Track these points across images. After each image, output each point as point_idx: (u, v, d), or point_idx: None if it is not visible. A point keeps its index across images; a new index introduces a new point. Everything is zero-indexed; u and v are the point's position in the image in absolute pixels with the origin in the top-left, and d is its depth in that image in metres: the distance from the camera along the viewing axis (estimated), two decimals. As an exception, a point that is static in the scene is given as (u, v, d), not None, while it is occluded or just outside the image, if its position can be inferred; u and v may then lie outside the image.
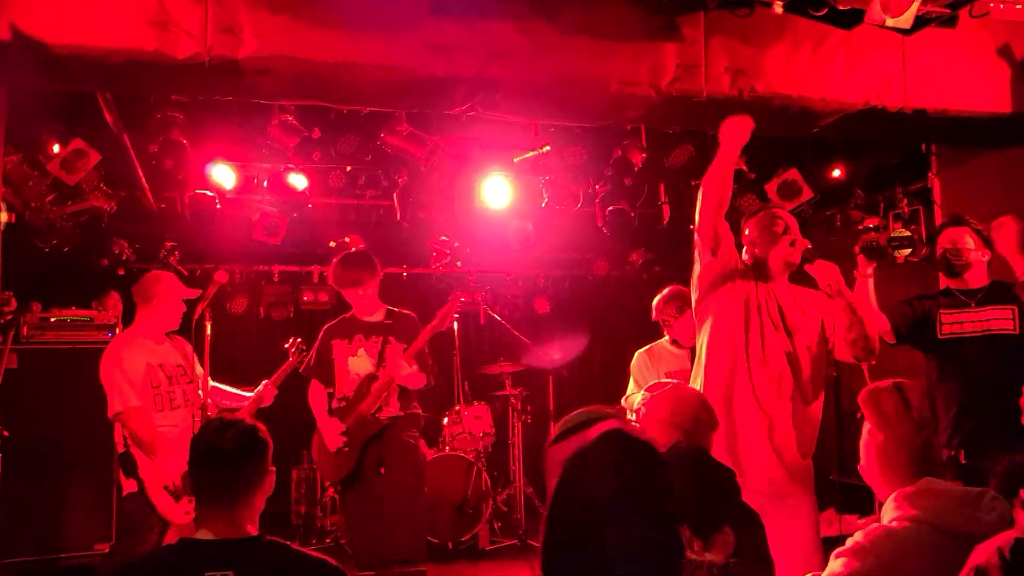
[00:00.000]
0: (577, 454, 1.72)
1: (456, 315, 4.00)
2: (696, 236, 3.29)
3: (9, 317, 3.84)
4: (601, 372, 8.85)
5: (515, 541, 6.21)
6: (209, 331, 4.03)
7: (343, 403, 4.38)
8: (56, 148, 4.86)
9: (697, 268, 3.32)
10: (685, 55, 3.68)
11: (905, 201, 5.41)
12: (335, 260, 4.58)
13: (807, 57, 3.81)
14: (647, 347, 4.72)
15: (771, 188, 5.96)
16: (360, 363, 4.42)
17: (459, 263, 8.00)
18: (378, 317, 4.58)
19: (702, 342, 3.31)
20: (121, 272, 6.97)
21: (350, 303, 4.58)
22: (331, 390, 4.49)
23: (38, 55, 3.14)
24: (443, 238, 7.64)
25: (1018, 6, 3.61)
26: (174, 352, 4.07)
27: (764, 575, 2.10)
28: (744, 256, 3.36)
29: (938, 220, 4.64)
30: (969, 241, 3.68)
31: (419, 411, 4.61)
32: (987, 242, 3.70)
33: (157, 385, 3.89)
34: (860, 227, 2.82)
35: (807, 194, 5.83)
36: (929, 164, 5.01)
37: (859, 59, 3.86)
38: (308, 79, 3.47)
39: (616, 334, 8.96)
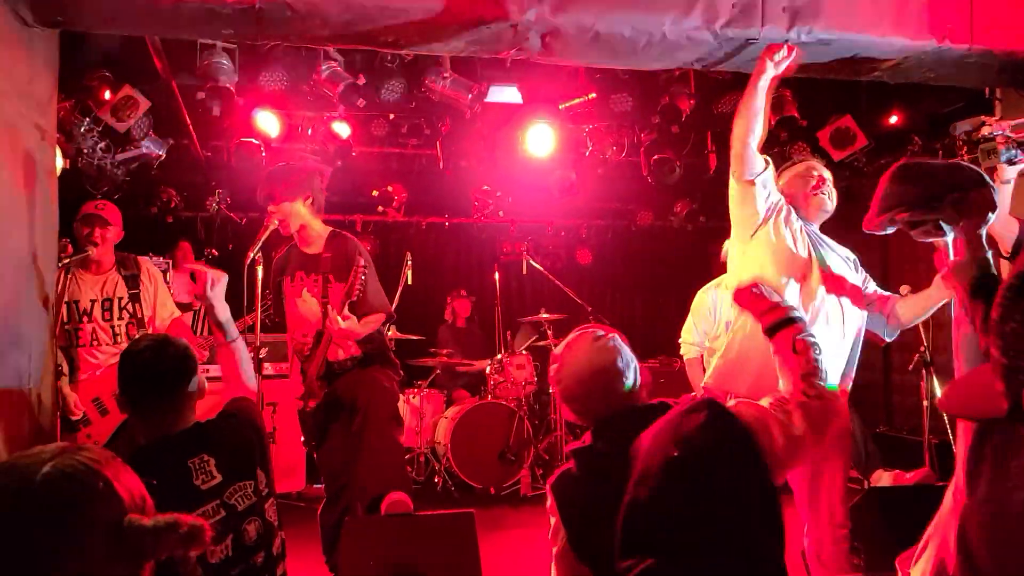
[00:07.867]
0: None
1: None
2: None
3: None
4: (642, 323, 8.84)
5: (557, 488, 6.27)
6: (260, 275, 4.07)
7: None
8: (107, 95, 4.87)
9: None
10: (741, -6, 3.56)
11: (965, 148, 5.21)
12: (263, 175, 3.84)
13: (868, -4, 3.66)
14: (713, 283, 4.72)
15: (824, 136, 5.81)
16: (308, 308, 3.72)
17: (501, 213, 8.00)
18: (317, 248, 3.77)
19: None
20: (170, 220, 7.08)
21: (281, 230, 3.79)
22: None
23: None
24: (485, 188, 7.62)
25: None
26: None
27: None
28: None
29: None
30: None
31: (387, 347, 3.90)
32: None
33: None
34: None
35: (861, 142, 5.67)
36: (992, 109, 4.83)
37: (923, -3, 3.70)
38: (357, 22, 3.43)
39: (658, 285, 8.92)
